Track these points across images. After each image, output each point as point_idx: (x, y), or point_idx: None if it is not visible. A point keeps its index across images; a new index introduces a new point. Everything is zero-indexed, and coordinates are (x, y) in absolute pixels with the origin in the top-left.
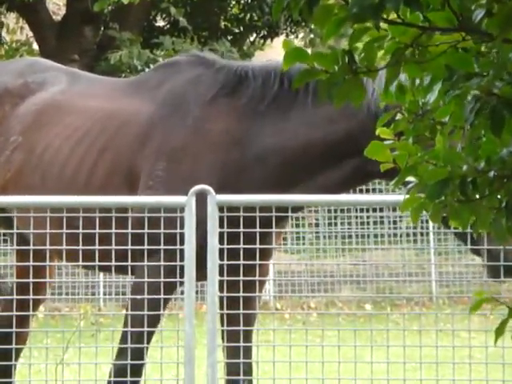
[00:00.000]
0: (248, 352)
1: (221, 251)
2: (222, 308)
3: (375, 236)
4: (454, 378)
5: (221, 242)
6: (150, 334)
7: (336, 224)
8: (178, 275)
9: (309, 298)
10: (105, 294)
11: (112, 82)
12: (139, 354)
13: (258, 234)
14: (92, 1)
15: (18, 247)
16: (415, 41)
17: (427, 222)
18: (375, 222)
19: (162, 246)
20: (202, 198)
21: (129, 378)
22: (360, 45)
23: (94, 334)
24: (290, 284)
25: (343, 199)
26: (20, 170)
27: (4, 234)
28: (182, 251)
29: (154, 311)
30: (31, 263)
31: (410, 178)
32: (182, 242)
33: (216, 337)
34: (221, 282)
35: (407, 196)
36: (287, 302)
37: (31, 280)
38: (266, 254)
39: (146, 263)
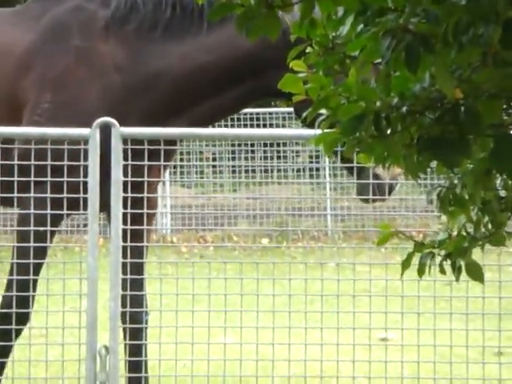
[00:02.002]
0: (143, 285)
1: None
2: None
3: (272, 171)
4: (354, 311)
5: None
6: (39, 266)
7: (234, 158)
8: (64, 207)
9: (205, 231)
10: None
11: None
12: (27, 286)
13: (162, 167)
14: None
15: None
16: None
17: (322, 157)
18: (272, 157)
19: (48, 178)
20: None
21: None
22: None
23: None
24: (186, 218)
25: (248, 133)
26: None
27: None
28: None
29: (41, 243)
30: None
31: (322, 111)
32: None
33: (119, 270)
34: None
35: (321, 130)
36: (184, 236)
37: None
38: (154, 187)
39: (32, 195)
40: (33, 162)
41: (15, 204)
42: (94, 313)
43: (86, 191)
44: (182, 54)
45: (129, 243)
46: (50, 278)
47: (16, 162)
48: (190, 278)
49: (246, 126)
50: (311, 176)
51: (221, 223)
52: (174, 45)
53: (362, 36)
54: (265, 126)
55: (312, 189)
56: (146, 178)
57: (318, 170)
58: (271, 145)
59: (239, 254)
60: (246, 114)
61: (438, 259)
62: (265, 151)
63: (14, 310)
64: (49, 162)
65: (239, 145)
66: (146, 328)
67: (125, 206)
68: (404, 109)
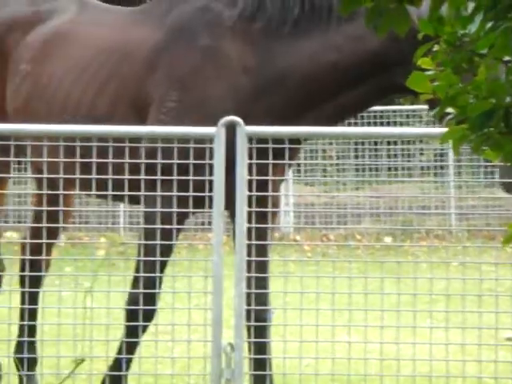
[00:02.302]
0: (267, 283)
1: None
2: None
3: (396, 169)
4: (480, 310)
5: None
6: (164, 264)
7: (357, 156)
8: (190, 205)
9: (328, 230)
10: (125, 223)
11: (119, 10)
12: (153, 283)
13: (286, 166)
14: None
15: (32, 176)
16: None
17: (447, 155)
18: (396, 155)
19: (175, 177)
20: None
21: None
22: None
23: (114, 263)
24: (309, 216)
25: (373, 132)
26: (27, 99)
27: (19, 163)
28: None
29: (167, 241)
30: (45, 191)
31: (450, 109)
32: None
33: (244, 268)
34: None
35: (449, 127)
36: (307, 234)
37: (45, 208)
38: (278, 186)
39: (159, 193)
40: (159, 160)
41: (142, 202)
42: (219, 310)
43: (211, 190)
44: (310, 53)
45: (253, 241)
46: (175, 276)
47: (143, 160)
48: (314, 277)
49: (369, 124)
50: (435, 174)
51: (344, 222)
52: (303, 43)
53: (491, 33)
54: (388, 123)
55: (436, 187)
56: (270, 177)
57: (442, 168)
58: (395, 143)
59: (362, 252)
60: (369, 112)
61: None
62: (388, 149)
63: (140, 307)
64: (175, 161)
65: (363, 143)
66: (271, 326)
67: (249, 205)
68: None
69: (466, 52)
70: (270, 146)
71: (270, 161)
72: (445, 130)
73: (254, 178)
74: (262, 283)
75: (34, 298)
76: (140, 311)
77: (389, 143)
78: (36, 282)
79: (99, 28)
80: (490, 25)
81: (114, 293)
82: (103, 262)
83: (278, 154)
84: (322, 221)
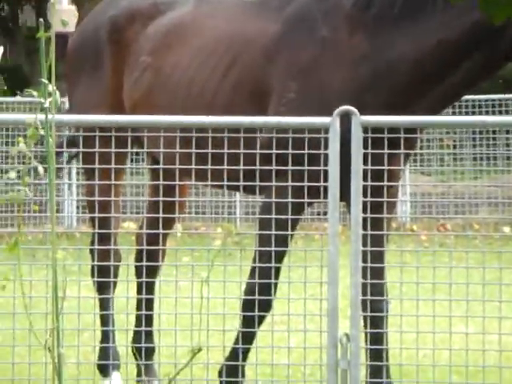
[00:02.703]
0: (384, 273)
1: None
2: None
3: (508, 158)
4: None
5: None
6: (281, 254)
7: (475, 146)
8: (305, 196)
9: (445, 219)
10: (241, 213)
11: (236, 3)
12: (270, 274)
13: (401, 156)
14: None
15: (150, 166)
16: None
17: None
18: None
19: (290, 167)
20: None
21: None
22: None
23: (230, 253)
24: (426, 206)
25: (489, 120)
26: (149, 91)
27: (137, 154)
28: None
29: (283, 231)
30: (161, 182)
31: None
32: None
33: (359, 258)
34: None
35: None
36: (424, 224)
37: (161, 199)
38: (396, 176)
39: (274, 183)
40: (274, 150)
41: (257, 192)
42: (335, 300)
43: (326, 180)
44: (418, 34)
45: (369, 231)
46: (290, 266)
47: (258, 151)
48: (431, 267)
49: (487, 112)
50: None
51: (462, 211)
52: (410, 26)
53: None
54: (507, 112)
55: None
56: (386, 167)
57: None
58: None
59: (480, 242)
60: (487, 100)
61: None
62: (507, 138)
63: (256, 297)
64: (290, 151)
65: (480, 132)
66: (387, 316)
67: (364, 195)
68: None
69: None
70: (386, 135)
71: (386, 151)
72: None
73: (369, 167)
74: (379, 273)
75: (150, 288)
76: (257, 301)
77: (507, 132)
78: (152, 272)
79: (219, 20)
80: None
81: (229, 283)
82: (219, 253)
83: (395, 144)
84: (439, 210)
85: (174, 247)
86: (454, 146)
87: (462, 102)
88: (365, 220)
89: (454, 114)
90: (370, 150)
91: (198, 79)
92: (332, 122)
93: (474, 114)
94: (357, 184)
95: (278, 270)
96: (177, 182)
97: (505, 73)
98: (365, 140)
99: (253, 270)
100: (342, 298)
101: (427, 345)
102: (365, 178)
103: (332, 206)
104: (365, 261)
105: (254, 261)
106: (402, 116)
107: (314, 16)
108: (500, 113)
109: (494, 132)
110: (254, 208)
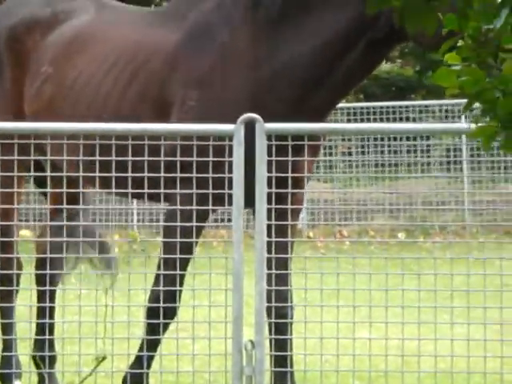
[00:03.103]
0: (288, 279)
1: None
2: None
3: (408, 165)
4: (485, 306)
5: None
6: (186, 262)
7: (369, 152)
8: (210, 203)
9: (341, 226)
10: (138, 221)
11: (138, 11)
12: (175, 281)
13: (305, 163)
14: None
15: (50, 174)
16: None
17: (460, 150)
18: (408, 151)
19: (194, 174)
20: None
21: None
22: None
23: (129, 262)
24: (322, 212)
25: (380, 127)
26: (50, 101)
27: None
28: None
29: (188, 239)
30: (65, 190)
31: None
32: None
33: (264, 265)
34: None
35: (479, 124)
36: (320, 231)
37: (65, 207)
38: (301, 183)
39: (178, 191)
40: (179, 158)
41: (162, 200)
42: (240, 307)
43: (231, 187)
44: (307, 33)
45: (273, 238)
46: (195, 273)
47: (163, 158)
48: (334, 273)
49: (382, 120)
50: (448, 170)
51: (357, 218)
52: (301, 20)
53: None
54: (400, 119)
55: (449, 182)
56: (290, 174)
57: (454, 163)
58: (400, 139)
59: (375, 248)
60: (382, 107)
61: None
62: (395, 145)
63: (161, 304)
64: (194, 159)
65: (368, 139)
66: (291, 323)
67: (269, 202)
68: None
69: (491, 47)
70: (290, 143)
71: (290, 158)
72: (460, 124)
73: (274, 175)
74: (284, 280)
75: (51, 297)
76: (161, 309)
77: (395, 139)
78: (53, 280)
79: (120, 28)
80: None
81: (133, 290)
82: (123, 260)
83: (299, 151)
84: (335, 217)
85: (75, 255)
86: (349, 153)
87: (357, 110)
88: (269, 227)
89: (348, 121)
90: (274, 158)
91: (101, 89)
92: (236, 129)
93: (364, 121)
94: (261, 191)
95: (182, 277)
96: (80, 190)
97: (397, 80)
98: (269, 147)
99: (157, 277)
100: (246, 305)
101: (330, 350)
102: (270, 185)
103: (236, 213)
104: (269, 267)
105: (159, 268)
106: (306, 123)
107: (214, 23)
108: (393, 120)
109: (382, 139)
110: (150, 215)
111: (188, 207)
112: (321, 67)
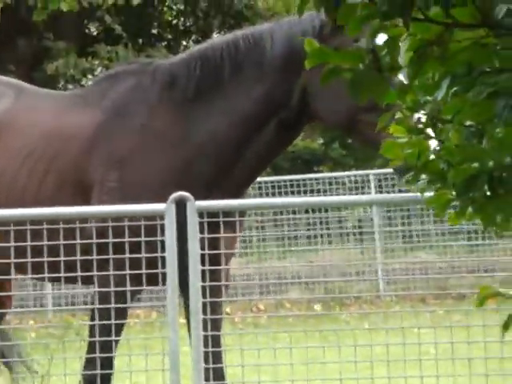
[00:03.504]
0: (222, 357)
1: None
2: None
3: (321, 236)
4: (406, 375)
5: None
6: (116, 342)
7: (282, 225)
8: (132, 283)
9: (258, 300)
10: (54, 305)
11: (56, 95)
12: (106, 363)
13: (237, 239)
14: (26, 11)
15: None
16: (439, 38)
17: (371, 220)
18: (321, 223)
19: (127, 255)
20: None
21: None
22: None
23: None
24: (238, 287)
25: (327, 200)
26: None
27: None
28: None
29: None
30: None
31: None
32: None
33: (201, 343)
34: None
35: (433, 193)
36: (237, 305)
37: None
38: (230, 258)
39: (112, 272)
40: (111, 239)
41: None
42: None
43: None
44: (219, 111)
45: (209, 316)
46: (131, 355)
47: (94, 240)
48: (256, 349)
49: (293, 193)
50: (359, 240)
51: (273, 291)
52: (213, 103)
53: (456, 99)
54: (311, 192)
55: (361, 252)
56: (223, 250)
57: (367, 233)
58: (313, 211)
59: (293, 320)
60: (292, 180)
61: None
62: (307, 218)
63: None
64: (126, 239)
65: (281, 213)
66: None
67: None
68: None
69: (430, 118)
70: (221, 219)
71: (222, 234)
72: (372, 195)
73: (206, 252)
74: (218, 358)
75: None
76: None
77: (307, 211)
78: None
79: (39, 114)
80: (454, 90)
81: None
82: (58, 345)
83: (225, 227)
84: (249, 292)
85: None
86: (263, 227)
87: (268, 184)
88: (204, 304)
89: (260, 195)
90: (206, 235)
91: (18, 181)
92: (167, 208)
93: (274, 194)
94: (195, 268)
95: (111, 359)
96: (12, 276)
97: (303, 153)
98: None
99: (87, 360)
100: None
101: None
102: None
103: (171, 292)
104: (206, 345)
105: (89, 351)
106: (236, 200)
107: (131, 104)
108: (305, 192)
109: (294, 212)
110: (66, 299)
111: (120, 288)
112: (235, 144)
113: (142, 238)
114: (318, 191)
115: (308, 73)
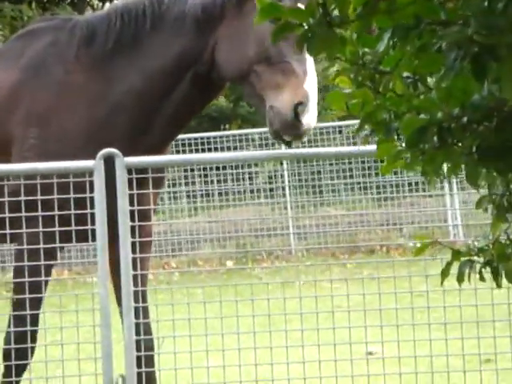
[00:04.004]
0: (148, 312)
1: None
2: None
3: (233, 193)
4: (319, 327)
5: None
6: (39, 300)
7: (194, 183)
8: (57, 241)
9: (170, 257)
10: None
11: None
12: (32, 320)
13: (165, 194)
14: None
15: None
16: None
17: (282, 176)
18: (232, 180)
19: (56, 212)
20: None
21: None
22: None
23: None
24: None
25: (226, 156)
26: None
27: None
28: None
29: (37, 277)
30: None
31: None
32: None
33: (132, 298)
34: None
35: (381, 144)
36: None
37: None
38: (150, 215)
39: (24, 230)
40: (39, 196)
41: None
42: (109, 343)
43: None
44: (137, 66)
45: (139, 271)
46: (61, 311)
47: (22, 198)
48: (169, 304)
49: (204, 150)
50: (270, 196)
51: (185, 248)
52: (131, 57)
53: (397, 51)
54: (222, 149)
55: (272, 209)
56: (152, 206)
57: (273, 190)
58: (224, 168)
59: (205, 277)
60: (196, 138)
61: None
62: (219, 174)
63: (12, 345)
64: (55, 196)
65: (192, 170)
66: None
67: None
68: (465, 119)
69: (369, 70)
70: (150, 175)
71: (151, 190)
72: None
73: (136, 208)
74: (145, 313)
75: None
76: (12, 350)
77: (217, 168)
78: None
79: None
80: (393, 42)
81: None
82: None
83: (145, 184)
84: (162, 249)
85: None
86: (174, 185)
87: (178, 141)
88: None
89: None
90: (135, 191)
91: None
92: (96, 165)
93: (184, 152)
94: (125, 224)
95: (36, 316)
96: None
97: (210, 111)
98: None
99: (10, 318)
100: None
101: (170, 382)
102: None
103: (100, 248)
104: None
105: (14, 309)
106: (165, 156)
107: (48, 61)
108: (210, 150)
109: (205, 169)
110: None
111: (50, 245)
112: (151, 100)
113: (72, 195)
114: (229, 148)
115: (222, 28)
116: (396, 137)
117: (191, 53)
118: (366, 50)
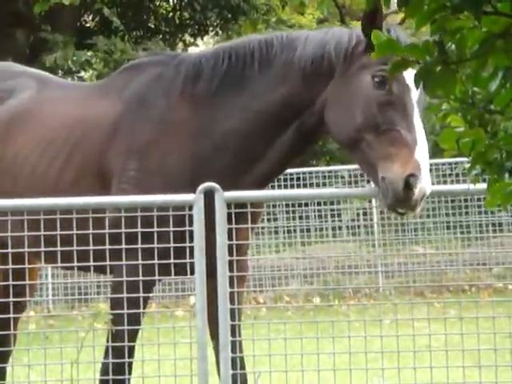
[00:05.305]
0: (242, 346)
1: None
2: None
3: (320, 229)
4: (415, 366)
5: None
6: (135, 332)
7: (277, 219)
8: (156, 273)
9: (256, 293)
10: (53, 295)
11: (79, 86)
12: (128, 352)
13: (264, 229)
14: (24, 3)
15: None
16: (506, 30)
17: (371, 214)
18: (319, 216)
19: (155, 245)
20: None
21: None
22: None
23: (48, 336)
24: None
25: (323, 192)
26: None
27: None
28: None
29: (136, 309)
30: (10, 266)
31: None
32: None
33: (228, 332)
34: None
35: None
36: None
37: (11, 283)
38: (246, 250)
39: (124, 262)
40: (140, 229)
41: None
42: (206, 376)
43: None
44: (242, 107)
45: (236, 306)
46: (159, 344)
47: (123, 230)
48: (266, 340)
49: (292, 186)
50: (356, 234)
51: (272, 284)
52: (236, 98)
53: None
54: (310, 185)
55: (359, 246)
56: (250, 241)
57: (360, 227)
58: (306, 204)
59: (293, 314)
60: (286, 174)
61: None
62: (306, 211)
63: (110, 376)
64: (155, 229)
65: (279, 205)
66: None
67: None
68: None
69: (478, 109)
70: (249, 210)
71: (249, 225)
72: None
73: (234, 242)
74: (241, 347)
75: (2, 374)
76: (110, 381)
77: (305, 205)
78: (4, 357)
79: (61, 104)
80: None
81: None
82: (88, 334)
83: (244, 218)
84: (250, 284)
85: (26, 331)
86: (268, 220)
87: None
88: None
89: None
90: (234, 225)
91: (40, 166)
92: (196, 198)
93: (273, 187)
94: (223, 258)
95: (132, 348)
96: (26, 265)
97: None
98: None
99: (107, 349)
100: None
101: None
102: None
103: (199, 282)
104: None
105: (108, 341)
106: (263, 191)
107: (152, 94)
108: (298, 186)
109: (293, 205)
110: (66, 290)
111: (146, 278)
112: (255, 143)
113: (171, 229)
114: (318, 185)
115: (332, 85)
116: (508, 176)
117: (299, 102)
118: (475, 89)
